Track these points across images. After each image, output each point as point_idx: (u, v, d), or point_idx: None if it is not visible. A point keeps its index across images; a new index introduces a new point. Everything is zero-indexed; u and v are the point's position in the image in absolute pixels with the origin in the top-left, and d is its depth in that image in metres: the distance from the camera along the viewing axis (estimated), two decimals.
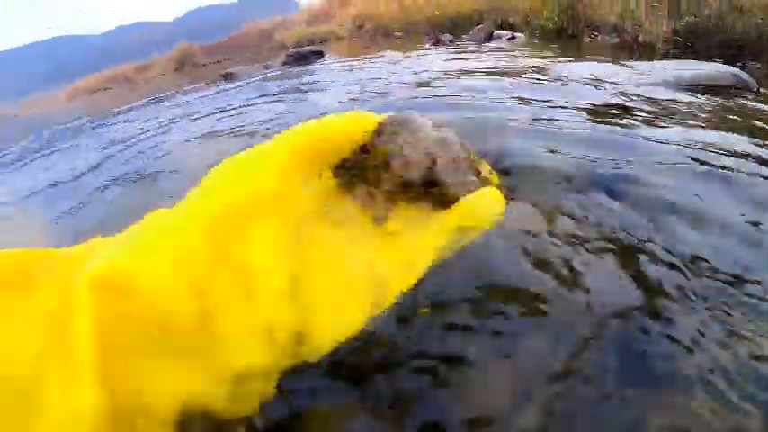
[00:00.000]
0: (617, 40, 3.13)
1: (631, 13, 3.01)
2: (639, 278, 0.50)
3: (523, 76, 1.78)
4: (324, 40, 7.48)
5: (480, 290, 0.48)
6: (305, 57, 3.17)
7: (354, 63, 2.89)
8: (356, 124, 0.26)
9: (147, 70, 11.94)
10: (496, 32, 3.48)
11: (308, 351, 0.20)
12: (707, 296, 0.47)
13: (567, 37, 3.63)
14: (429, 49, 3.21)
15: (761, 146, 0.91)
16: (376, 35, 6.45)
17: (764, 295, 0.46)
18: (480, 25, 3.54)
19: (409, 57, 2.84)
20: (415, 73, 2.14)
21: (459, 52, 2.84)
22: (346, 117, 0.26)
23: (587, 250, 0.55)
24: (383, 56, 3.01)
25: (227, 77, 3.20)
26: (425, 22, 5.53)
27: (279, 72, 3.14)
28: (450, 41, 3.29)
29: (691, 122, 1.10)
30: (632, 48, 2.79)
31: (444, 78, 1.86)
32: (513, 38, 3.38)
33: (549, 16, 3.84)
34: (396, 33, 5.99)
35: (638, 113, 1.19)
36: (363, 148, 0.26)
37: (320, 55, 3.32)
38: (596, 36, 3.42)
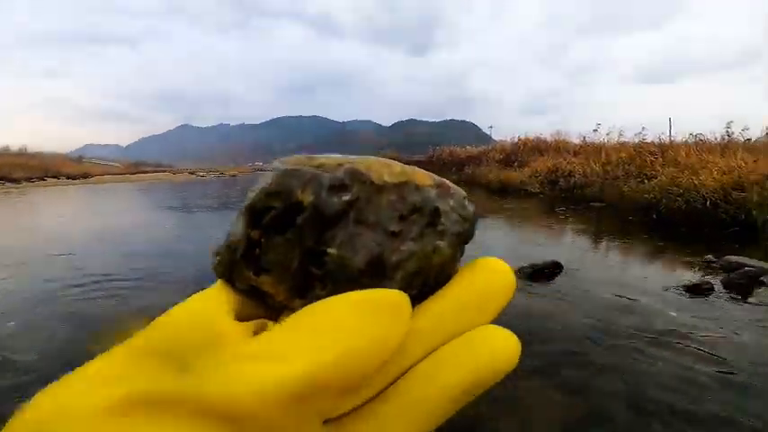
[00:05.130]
0: None
1: None
2: None
3: None
4: (516, 189, 7.50)
5: None
6: (542, 271, 2.77)
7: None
8: None
9: None
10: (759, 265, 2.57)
11: None
12: None
13: None
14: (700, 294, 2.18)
15: None
16: (574, 202, 6.09)
17: None
18: (739, 269, 2.56)
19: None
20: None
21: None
22: None
23: None
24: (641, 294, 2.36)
25: None
26: (631, 197, 5.04)
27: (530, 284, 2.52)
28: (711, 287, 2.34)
29: None
30: None
31: None
32: None
33: None
34: (594, 204, 5.63)
35: None
36: None
37: (558, 269, 2.78)
38: None
